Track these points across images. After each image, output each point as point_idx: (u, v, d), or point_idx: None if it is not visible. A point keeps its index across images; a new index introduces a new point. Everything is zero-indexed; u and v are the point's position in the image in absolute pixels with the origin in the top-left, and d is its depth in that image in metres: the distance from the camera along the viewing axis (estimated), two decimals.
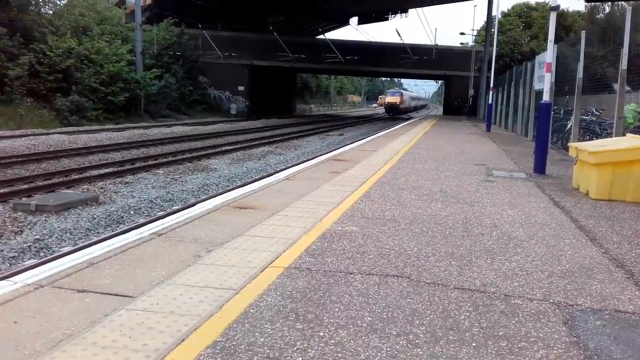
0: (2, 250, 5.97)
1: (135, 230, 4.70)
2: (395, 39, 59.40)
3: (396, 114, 59.41)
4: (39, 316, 2.77)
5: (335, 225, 4.89)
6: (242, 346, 2.49)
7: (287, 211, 5.44)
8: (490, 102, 26.08)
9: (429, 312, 2.96)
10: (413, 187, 7.13)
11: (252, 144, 19.44)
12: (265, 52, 40.93)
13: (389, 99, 63.64)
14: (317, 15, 48.38)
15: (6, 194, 8.73)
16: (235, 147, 18.19)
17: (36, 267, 3.84)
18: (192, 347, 2.48)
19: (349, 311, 2.94)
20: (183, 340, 2.54)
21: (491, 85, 26.17)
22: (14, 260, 5.75)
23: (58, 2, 29.40)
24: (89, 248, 4.11)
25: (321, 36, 50.42)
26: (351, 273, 3.57)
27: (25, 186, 9.64)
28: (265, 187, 6.96)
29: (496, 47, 26.08)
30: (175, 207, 8.28)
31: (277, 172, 9.81)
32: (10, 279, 3.37)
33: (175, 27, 35.98)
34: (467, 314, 2.95)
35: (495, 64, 25.54)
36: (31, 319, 2.74)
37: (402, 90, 73.48)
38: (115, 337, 2.55)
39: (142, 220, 7.38)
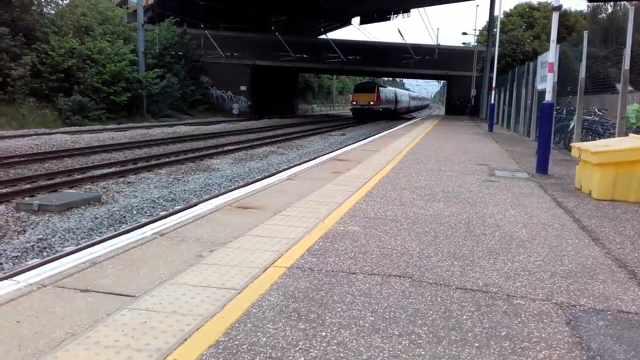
0: (5, 250, 5.99)
1: (137, 230, 4.71)
2: (397, 39, 56.04)
3: (372, 118, 41.59)
4: (42, 315, 2.78)
5: (338, 225, 4.89)
6: (245, 346, 2.50)
7: (289, 211, 5.45)
8: (492, 102, 26.05)
9: (431, 312, 2.96)
10: (415, 187, 7.12)
11: (254, 143, 19.45)
12: (267, 52, 40.95)
13: (357, 96, 44.25)
14: (319, 15, 48.35)
15: (9, 194, 8.74)
16: (238, 147, 18.19)
17: (39, 266, 3.85)
18: (194, 346, 2.48)
19: (351, 311, 2.94)
20: (185, 339, 2.54)
21: (493, 85, 26.13)
22: (17, 260, 5.76)
23: (60, 2, 29.54)
24: (91, 248, 4.13)
25: (323, 36, 50.35)
26: (353, 273, 3.57)
27: (28, 186, 9.66)
28: (267, 187, 6.97)
29: (498, 47, 26.05)
30: (178, 207, 8.29)
31: (279, 172, 9.81)
32: (14, 278, 3.38)
33: (177, 27, 36.03)
34: (470, 314, 2.95)
35: (498, 63, 25.51)
36: (34, 318, 2.75)
37: (379, 84, 49.58)
38: (117, 336, 2.55)
39: (144, 220, 7.39)
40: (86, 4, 29.67)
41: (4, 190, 9.08)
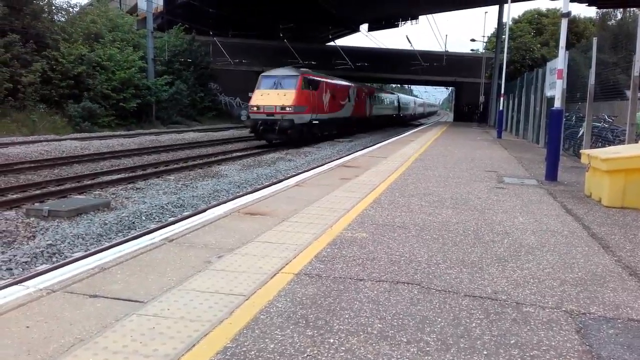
0: (15, 255, 6.03)
1: (146, 235, 4.73)
2: (406, 46, 55.68)
3: (296, 144, 21.34)
4: (51, 321, 2.80)
5: (346, 231, 4.88)
6: (252, 352, 2.49)
7: (297, 217, 5.45)
8: (501, 108, 25.98)
9: (439, 319, 2.95)
10: (423, 194, 7.11)
11: (262, 150, 19.49)
12: (275, 59, 41.11)
13: (261, 97, 21.59)
14: (327, 22, 48.56)
15: (19, 200, 8.82)
16: (246, 153, 18.25)
17: (49, 272, 3.88)
18: (202, 352, 2.48)
19: (359, 318, 2.93)
20: (193, 345, 2.55)
21: (502, 91, 26.08)
22: (26, 265, 5.80)
23: (71, 10, 29.80)
24: (100, 253, 4.15)
25: (331, 43, 50.58)
26: (361, 280, 3.56)
27: (38, 192, 9.73)
28: (276, 194, 6.98)
29: (507, 53, 26.00)
30: (186, 213, 8.31)
31: (287, 179, 9.83)
32: (23, 283, 3.41)
33: (186, 34, 36.30)
34: (478, 321, 2.93)
35: (506, 69, 25.45)
36: (43, 323, 2.76)
37: (308, 72, 23.72)
38: (126, 342, 2.56)
39: (153, 226, 7.42)
40: (96, 12, 29.96)
41: (15, 196, 9.16)
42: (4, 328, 2.70)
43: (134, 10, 35.82)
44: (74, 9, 30.41)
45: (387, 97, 45.39)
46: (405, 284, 3.50)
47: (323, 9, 39.74)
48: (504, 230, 5.12)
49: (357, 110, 31.50)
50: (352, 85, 31.12)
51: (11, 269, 5.64)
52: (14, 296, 3.13)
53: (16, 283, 3.72)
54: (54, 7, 27.99)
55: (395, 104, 48.80)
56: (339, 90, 27.60)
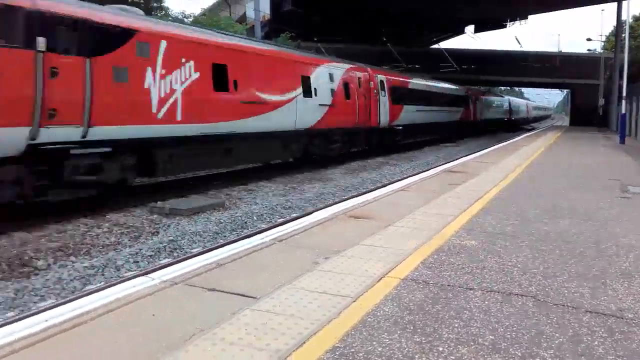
0: (141, 249, 6.57)
1: (257, 235, 4.95)
2: (514, 47, 52.82)
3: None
4: (174, 310, 3.02)
5: (453, 238, 4.77)
6: (361, 354, 2.52)
7: (402, 222, 5.41)
8: (623, 112, 23.92)
9: (557, 335, 2.78)
10: (537, 202, 6.74)
11: (367, 154, 19.52)
12: (380, 63, 41.02)
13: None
14: (431, 25, 47.63)
15: (144, 198, 9.58)
16: (350, 157, 18.36)
17: (171, 265, 4.19)
18: (312, 350, 2.55)
19: (469, 328, 2.85)
20: (303, 343, 2.63)
21: (624, 94, 24.00)
22: (151, 259, 6.30)
23: (186, 20, 31.88)
24: (216, 250, 4.41)
25: (435, 45, 49.55)
26: (471, 289, 3.46)
27: (160, 191, 10.49)
28: (380, 198, 6.98)
29: (628, 52, 23.88)
30: (294, 215, 8.54)
31: (392, 183, 9.77)
32: (149, 275, 3.71)
33: (292, 41, 37.41)
34: (601, 340, 2.73)
35: (628, 70, 23.40)
36: (167, 312, 2.99)
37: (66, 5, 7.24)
38: (241, 334, 2.70)
39: (264, 226, 7.71)
40: (209, 21, 31.80)
41: (140, 195, 9.97)
42: (133, 315, 2.96)
43: (243, 19, 37.60)
44: (189, 19, 32.54)
45: (441, 91, 27.46)
46: (519, 296, 3.35)
47: (428, 12, 39.10)
48: (630, 244, 4.72)
49: (341, 113, 16.22)
50: (316, 60, 16.03)
51: (137, 262, 6.15)
52: (142, 286, 3.42)
53: (143, 274, 4.05)
54: (170, 18, 30.14)
55: (461, 105, 30.96)
56: (250, 63, 11.87)
